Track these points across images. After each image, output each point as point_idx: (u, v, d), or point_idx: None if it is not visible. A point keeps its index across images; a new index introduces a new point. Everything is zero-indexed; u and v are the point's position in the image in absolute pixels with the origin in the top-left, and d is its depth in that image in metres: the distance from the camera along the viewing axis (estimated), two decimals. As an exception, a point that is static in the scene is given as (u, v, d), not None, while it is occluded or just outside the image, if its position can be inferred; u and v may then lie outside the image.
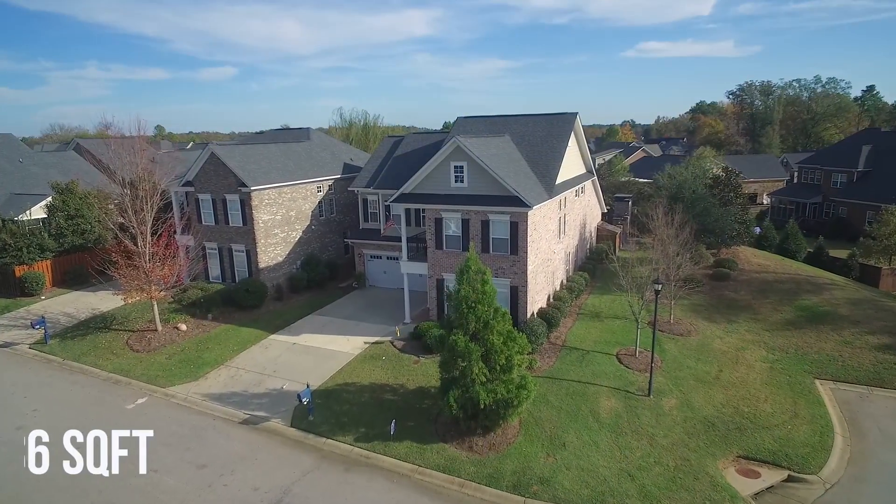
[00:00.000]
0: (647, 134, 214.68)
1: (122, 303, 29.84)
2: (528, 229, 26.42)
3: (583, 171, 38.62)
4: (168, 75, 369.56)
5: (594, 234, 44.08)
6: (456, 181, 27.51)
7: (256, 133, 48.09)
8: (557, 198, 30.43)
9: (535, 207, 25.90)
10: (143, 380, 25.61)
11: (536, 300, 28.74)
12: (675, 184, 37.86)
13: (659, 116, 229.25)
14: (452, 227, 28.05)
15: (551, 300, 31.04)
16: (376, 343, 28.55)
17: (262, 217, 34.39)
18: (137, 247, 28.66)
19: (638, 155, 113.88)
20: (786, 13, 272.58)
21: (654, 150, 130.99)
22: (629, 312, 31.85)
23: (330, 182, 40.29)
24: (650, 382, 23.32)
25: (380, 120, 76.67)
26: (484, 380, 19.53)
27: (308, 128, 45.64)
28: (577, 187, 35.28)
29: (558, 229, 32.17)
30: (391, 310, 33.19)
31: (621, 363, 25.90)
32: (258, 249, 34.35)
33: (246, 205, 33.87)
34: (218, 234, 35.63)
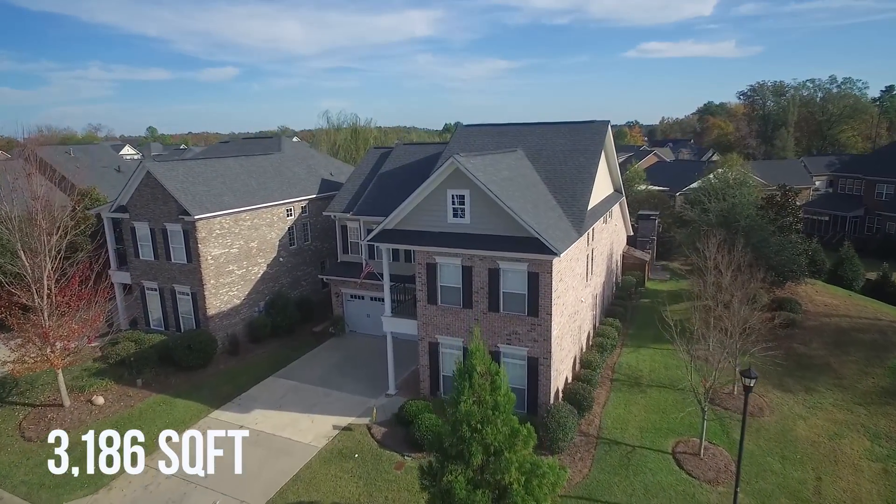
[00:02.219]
0: (652, 135, 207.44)
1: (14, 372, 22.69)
2: (553, 281, 19.40)
3: (611, 190, 31.60)
4: (170, 75, 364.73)
5: (620, 264, 37.06)
6: (455, 215, 20.49)
7: (222, 143, 41.22)
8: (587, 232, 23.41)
9: (562, 254, 18.86)
10: (21, 493, 18.57)
11: (561, 371, 21.73)
12: (726, 206, 30.91)
13: (663, 117, 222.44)
14: (450, 276, 21.05)
15: (578, 367, 24.05)
16: (348, 429, 21.52)
17: (211, 252, 27.38)
18: (33, 300, 21.64)
19: (650, 160, 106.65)
20: (787, 13, 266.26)
21: (666, 154, 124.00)
22: (677, 377, 24.95)
23: (304, 203, 33.29)
24: (733, 512, 16.30)
25: (372, 122, 69.65)
26: (496, 543, 12.56)
27: (279, 136, 38.65)
28: (606, 213, 28.26)
29: (586, 270, 25.16)
30: (373, 369, 26.19)
31: (682, 467, 18.85)
32: (206, 293, 27.32)
33: (190, 237, 26.86)
34: (158, 272, 28.63)
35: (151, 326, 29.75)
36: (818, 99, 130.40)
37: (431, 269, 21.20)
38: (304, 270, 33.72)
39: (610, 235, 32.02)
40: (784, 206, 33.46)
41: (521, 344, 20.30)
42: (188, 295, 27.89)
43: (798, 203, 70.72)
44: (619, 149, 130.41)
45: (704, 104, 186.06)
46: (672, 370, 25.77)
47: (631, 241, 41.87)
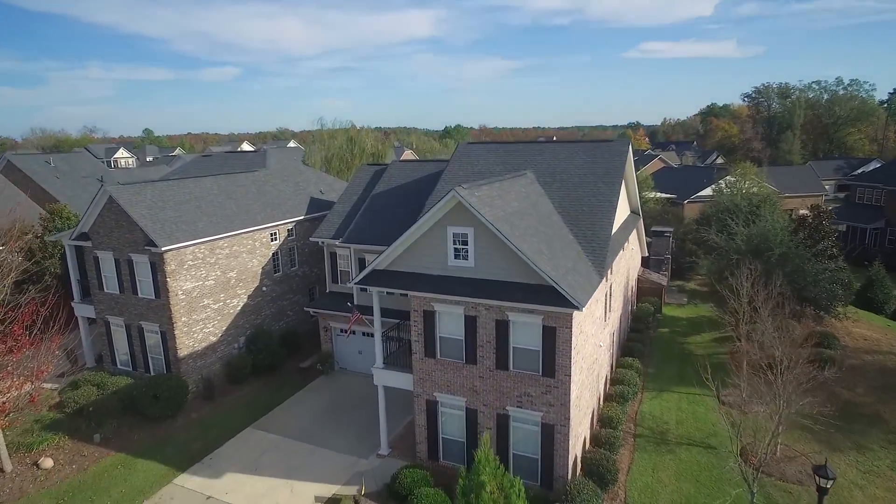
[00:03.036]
0: (654, 136, 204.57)
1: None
2: (573, 336, 16.41)
3: (629, 212, 28.62)
4: (170, 75, 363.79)
5: (635, 289, 34.05)
6: (457, 256, 17.51)
7: (204, 155, 38.27)
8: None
9: (585, 307, 15.86)
10: None
11: (579, 434, 18.73)
12: (755, 232, 27.86)
13: (665, 118, 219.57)
14: (451, 327, 18.07)
15: (598, 424, 21.03)
16: (334, 500, 18.53)
17: (182, 286, 24.38)
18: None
19: (655, 165, 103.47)
20: (788, 13, 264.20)
21: (671, 158, 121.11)
22: (708, 429, 22.09)
23: (290, 225, 30.31)
24: None
25: (368, 125, 66.39)
26: None
27: (265, 149, 35.66)
28: (626, 242, 25.29)
29: (605, 310, 22.18)
30: (364, 417, 23.27)
31: (726, 561, 15.86)
32: (176, 332, 24.32)
33: (158, 270, 23.87)
34: (124, 307, 25.64)
35: (119, 366, 26.75)
36: (824, 101, 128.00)
37: (429, 318, 18.21)
38: (290, 299, 30.72)
39: (627, 262, 29.04)
40: (817, 228, 30.45)
41: (533, 408, 17.31)
42: (157, 333, 24.89)
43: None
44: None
45: (707, 106, 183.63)
46: (702, 421, 22.86)
47: (643, 261, 38.90)
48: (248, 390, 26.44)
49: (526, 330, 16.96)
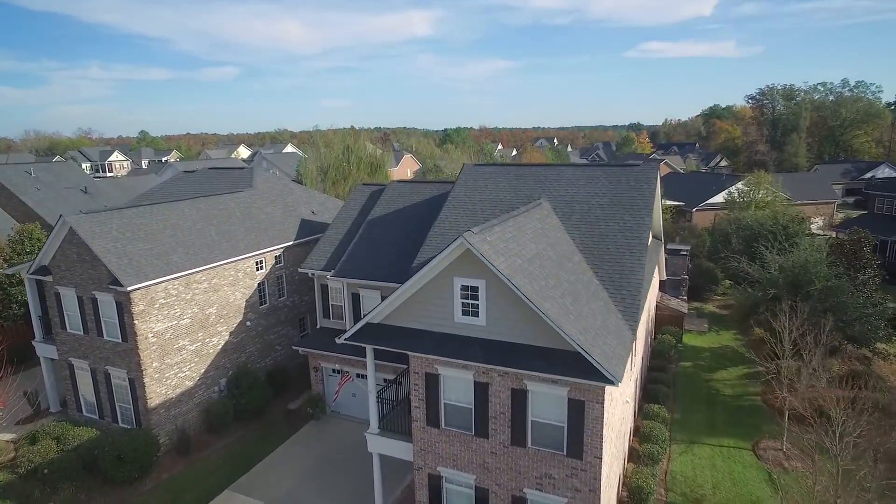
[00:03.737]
0: (655, 137, 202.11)
1: None
2: (605, 412, 13.69)
3: (651, 238, 25.84)
4: (170, 75, 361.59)
5: (654, 319, 31.30)
6: (465, 312, 14.80)
7: (186, 172, 35.49)
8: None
9: (620, 382, 13.13)
10: None
11: (608, 516, 15.99)
12: (794, 264, 25.04)
13: (666, 119, 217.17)
14: (458, 393, 15.35)
15: (624, 492, 18.30)
16: None
17: (152, 328, 21.64)
18: None
19: (661, 170, 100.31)
20: (787, 13, 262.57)
21: (676, 162, 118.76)
22: (749, 495, 19.41)
23: (278, 252, 27.59)
24: None
25: (367, 126, 63.49)
26: None
27: (251, 167, 32.88)
28: (653, 278, 22.57)
29: (630, 358, 19.40)
30: (358, 474, 20.56)
31: None
32: (146, 379, 21.56)
33: (124, 311, 21.11)
34: (89, 349, 22.90)
35: (84, 412, 24.00)
36: (830, 102, 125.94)
37: (432, 382, 15.49)
38: (277, 332, 27.98)
39: (649, 293, 26.28)
40: (856, 254, 27.74)
41: (556, 492, 14.58)
42: (125, 380, 22.14)
43: (828, 218, 64.87)
44: (626, 157, 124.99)
45: (710, 107, 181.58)
46: (740, 484, 20.17)
47: (663, 286, 36.17)
48: (229, 440, 23.70)
49: (547, 402, 14.25)
